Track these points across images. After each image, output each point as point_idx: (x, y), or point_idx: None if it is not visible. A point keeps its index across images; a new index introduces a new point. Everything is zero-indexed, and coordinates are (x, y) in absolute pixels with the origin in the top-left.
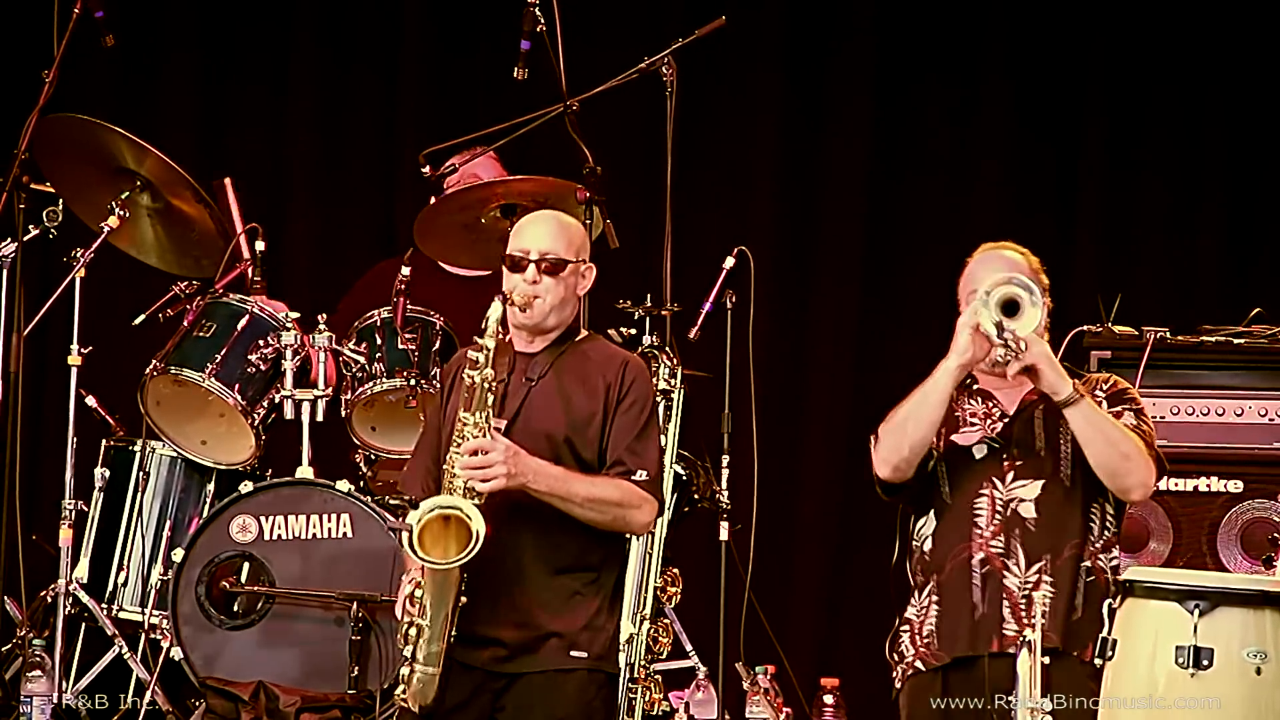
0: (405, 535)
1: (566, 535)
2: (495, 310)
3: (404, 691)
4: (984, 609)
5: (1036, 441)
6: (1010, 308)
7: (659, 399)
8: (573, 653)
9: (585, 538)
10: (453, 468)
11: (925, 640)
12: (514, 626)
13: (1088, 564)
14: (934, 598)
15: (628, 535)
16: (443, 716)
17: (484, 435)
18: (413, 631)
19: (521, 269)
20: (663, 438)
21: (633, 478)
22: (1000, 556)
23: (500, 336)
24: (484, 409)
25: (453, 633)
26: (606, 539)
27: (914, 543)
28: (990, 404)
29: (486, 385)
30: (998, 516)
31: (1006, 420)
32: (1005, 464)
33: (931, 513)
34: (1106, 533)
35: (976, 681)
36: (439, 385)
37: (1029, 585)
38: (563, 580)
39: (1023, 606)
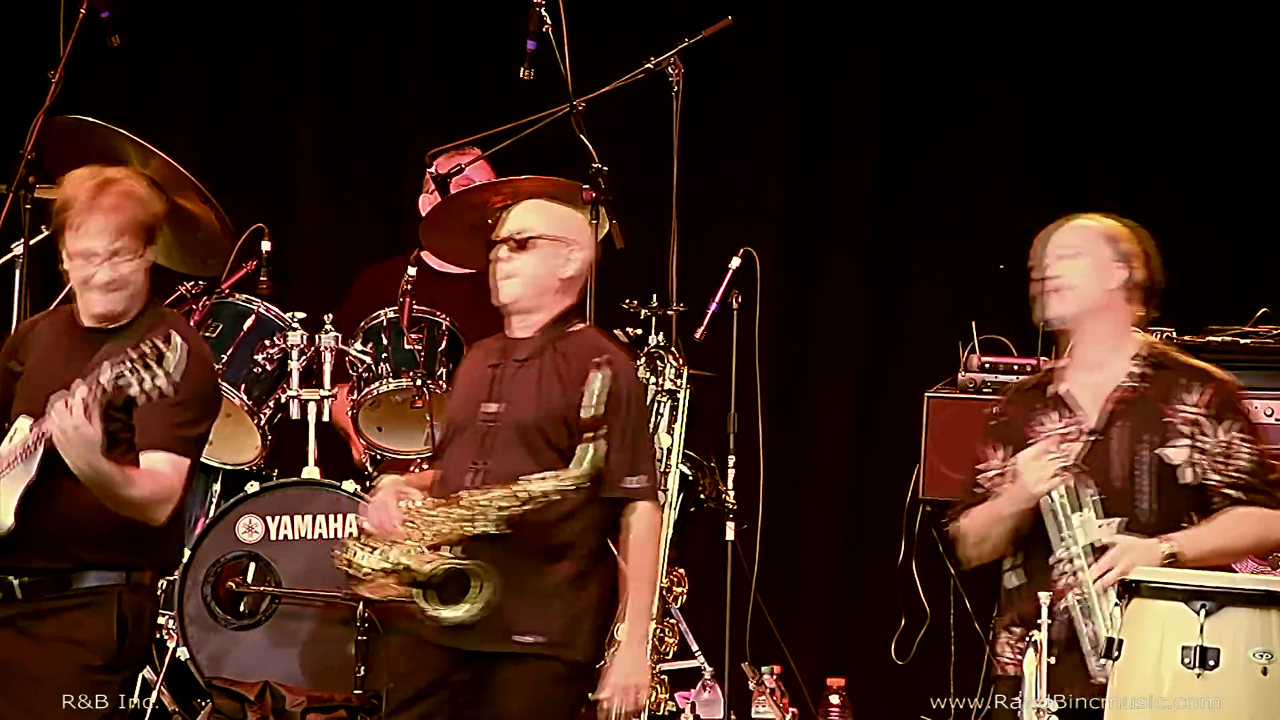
0: (419, 598)
1: (542, 525)
2: (583, 455)
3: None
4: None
5: (1112, 468)
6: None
7: (664, 398)
8: (530, 638)
9: (562, 528)
10: (470, 512)
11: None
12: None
13: None
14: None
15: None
16: (413, 697)
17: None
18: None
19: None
20: (666, 427)
21: (621, 486)
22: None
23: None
24: (517, 509)
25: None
26: (586, 530)
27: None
28: (1069, 419)
29: (530, 505)
30: None
31: (1091, 440)
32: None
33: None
34: None
35: None
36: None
37: None
38: (539, 568)
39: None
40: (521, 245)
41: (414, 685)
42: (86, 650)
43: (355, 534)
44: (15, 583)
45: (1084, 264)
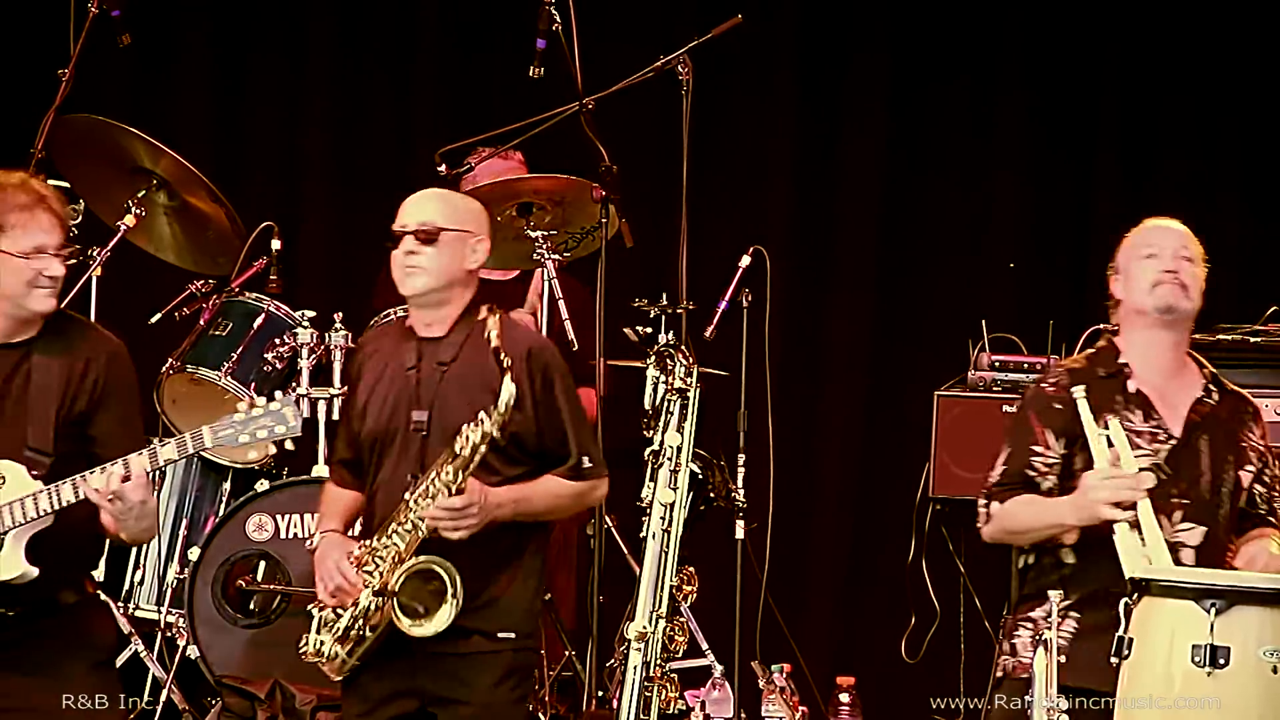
0: (391, 603)
1: (491, 534)
2: (508, 391)
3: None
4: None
5: (1203, 478)
6: None
7: (674, 396)
8: (508, 634)
9: (509, 530)
10: (417, 513)
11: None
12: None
13: None
14: (1074, 617)
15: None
16: (386, 699)
17: (455, 491)
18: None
19: (399, 243)
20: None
21: (581, 469)
22: None
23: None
24: (464, 470)
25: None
26: (531, 525)
27: (1047, 544)
28: (1153, 420)
29: (475, 455)
30: None
31: (1173, 444)
32: (1174, 500)
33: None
34: None
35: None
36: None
37: None
38: (496, 571)
39: None
40: (427, 239)
41: (386, 689)
42: (94, 650)
43: (312, 627)
44: (9, 614)
45: (1198, 274)
